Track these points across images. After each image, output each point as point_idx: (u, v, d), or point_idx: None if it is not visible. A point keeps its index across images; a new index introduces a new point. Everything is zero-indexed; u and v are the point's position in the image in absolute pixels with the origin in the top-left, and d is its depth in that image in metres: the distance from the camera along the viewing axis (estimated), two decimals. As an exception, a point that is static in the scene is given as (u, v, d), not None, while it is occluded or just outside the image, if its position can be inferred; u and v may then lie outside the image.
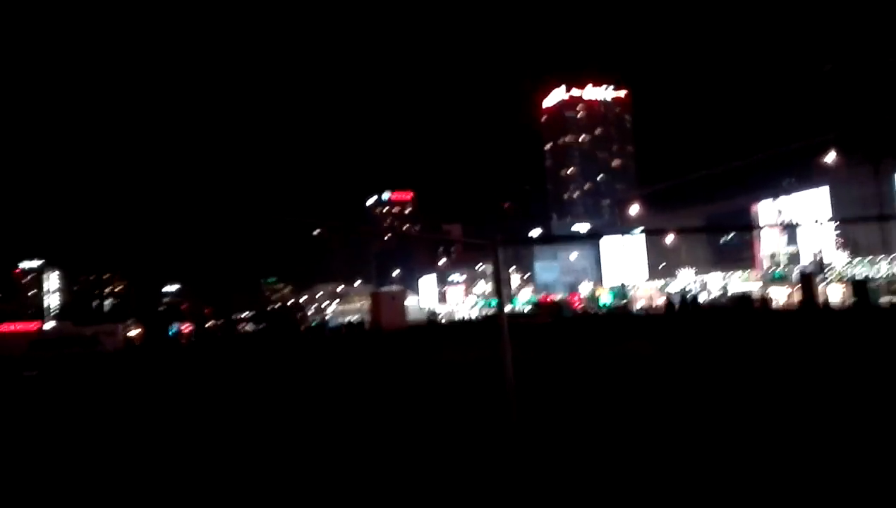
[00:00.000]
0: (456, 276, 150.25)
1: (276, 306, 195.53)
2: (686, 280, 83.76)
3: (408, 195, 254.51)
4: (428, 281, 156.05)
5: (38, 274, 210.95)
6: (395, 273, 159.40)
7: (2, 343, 45.36)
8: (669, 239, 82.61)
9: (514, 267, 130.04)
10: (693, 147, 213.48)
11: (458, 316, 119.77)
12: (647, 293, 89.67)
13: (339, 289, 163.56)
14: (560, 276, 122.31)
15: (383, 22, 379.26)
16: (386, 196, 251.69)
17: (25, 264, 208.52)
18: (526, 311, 77.12)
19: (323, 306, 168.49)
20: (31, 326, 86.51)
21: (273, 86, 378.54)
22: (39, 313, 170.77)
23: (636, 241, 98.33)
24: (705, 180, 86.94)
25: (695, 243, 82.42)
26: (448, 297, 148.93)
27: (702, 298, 67.82)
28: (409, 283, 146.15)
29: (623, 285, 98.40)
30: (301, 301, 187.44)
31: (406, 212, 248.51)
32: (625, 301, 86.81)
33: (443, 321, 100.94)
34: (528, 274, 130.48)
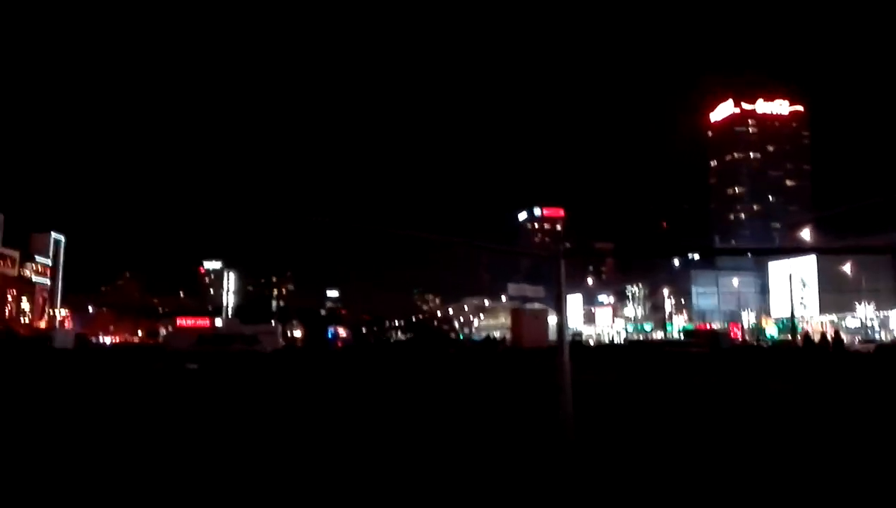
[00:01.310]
0: (604, 297, 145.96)
1: (423, 317, 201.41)
2: (863, 315, 75.06)
3: (559, 212, 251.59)
4: (574, 301, 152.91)
5: (219, 274, 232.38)
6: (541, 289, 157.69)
7: (177, 336, 50.53)
8: (846, 267, 74.57)
9: (667, 290, 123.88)
10: (878, 167, 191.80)
11: (605, 339, 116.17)
12: (818, 328, 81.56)
13: (485, 304, 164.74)
14: (720, 304, 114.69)
15: (538, 30, 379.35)
16: (537, 212, 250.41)
17: (208, 264, 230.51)
18: (680, 339, 73.03)
19: (469, 319, 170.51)
20: (204, 322, 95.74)
21: (429, 97, 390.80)
22: (218, 310, 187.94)
23: (808, 270, 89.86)
24: (892, 204, 77.65)
25: (877, 273, 73.70)
26: (596, 318, 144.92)
27: (883, 336, 60.33)
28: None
29: (792, 317, 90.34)
30: (450, 313, 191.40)
31: (557, 228, 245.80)
32: (789, 336, 79.63)
33: (587, 342, 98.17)
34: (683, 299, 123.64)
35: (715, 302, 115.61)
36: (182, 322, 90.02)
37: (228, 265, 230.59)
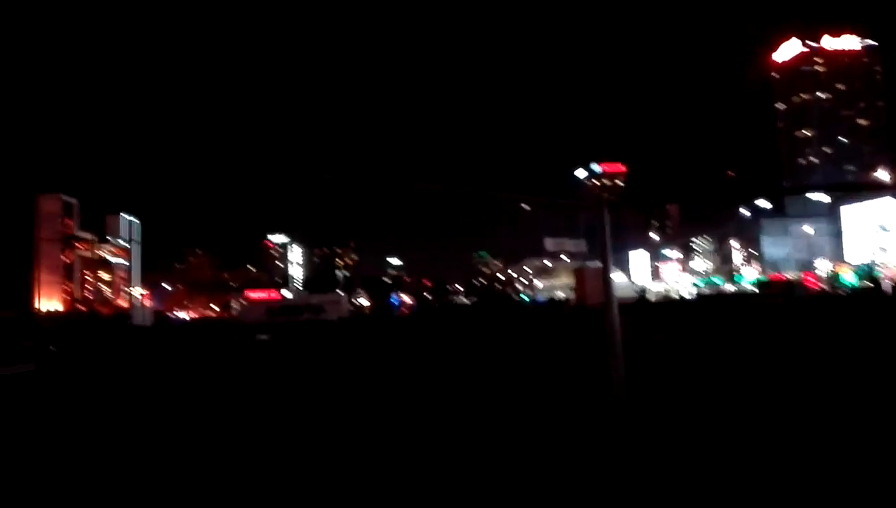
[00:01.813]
0: (670, 252, 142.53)
1: (486, 281, 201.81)
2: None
3: (619, 167, 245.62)
4: (639, 257, 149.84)
5: (284, 247, 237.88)
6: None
7: (248, 309, 52.10)
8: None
9: (736, 241, 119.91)
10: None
11: (673, 295, 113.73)
12: (901, 272, 77.54)
13: (547, 265, 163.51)
14: (791, 253, 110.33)
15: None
16: (596, 168, 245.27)
17: (274, 238, 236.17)
18: (754, 290, 70.81)
19: (532, 281, 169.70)
20: (272, 294, 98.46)
21: (487, 56, 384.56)
22: (285, 282, 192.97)
23: (886, 213, 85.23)
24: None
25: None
26: (662, 274, 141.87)
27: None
28: (620, 258, 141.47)
29: (872, 263, 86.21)
30: (512, 275, 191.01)
31: (618, 183, 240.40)
32: (872, 282, 75.97)
33: (653, 299, 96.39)
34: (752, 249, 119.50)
35: (786, 251, 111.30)
36: (252, 295, 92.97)
37: (294, 238, 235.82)
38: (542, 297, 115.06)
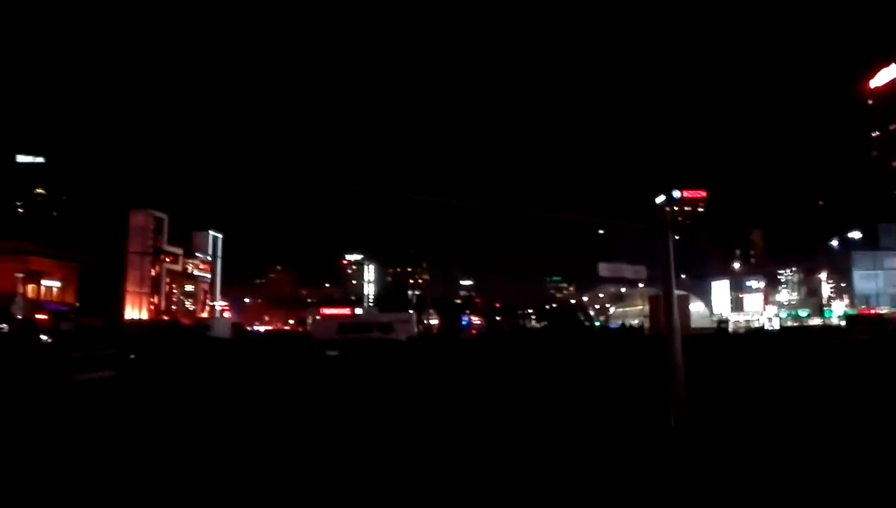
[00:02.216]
0: (754, 282, 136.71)
1: (556, 305, 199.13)
2: None
3: (700, 193, 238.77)
4: (721, 287, 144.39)
5: (359, 265, 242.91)
6: (683, 276, 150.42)
7: (321, 324, 53.18)
8: None
9: (825, 273, 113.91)
10: None
11: (755, 326, 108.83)
12: None
13: (622, 291, 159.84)
14: (884, 287, 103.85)
15: (678, 8, 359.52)
16: (676, 194, 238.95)
17: (350, 257, 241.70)
18: (840, 326, 66.91)
19: (605, 307, 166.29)
20: (345, 311, 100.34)
21: (577, 78, 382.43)
22: (360, 300, 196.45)
23: None
24: None
25: None
26: (745, 305, 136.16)
27: None
28: (701, 288, 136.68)
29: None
30: (584, 300, 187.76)
31: (699, 210, 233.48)
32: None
33: (736, 330, 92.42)
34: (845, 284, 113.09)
35: (878, 285, 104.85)
36: (325, 311, 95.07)
37: (369, 257, 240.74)
38: (614, 324, 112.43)
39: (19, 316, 54.22)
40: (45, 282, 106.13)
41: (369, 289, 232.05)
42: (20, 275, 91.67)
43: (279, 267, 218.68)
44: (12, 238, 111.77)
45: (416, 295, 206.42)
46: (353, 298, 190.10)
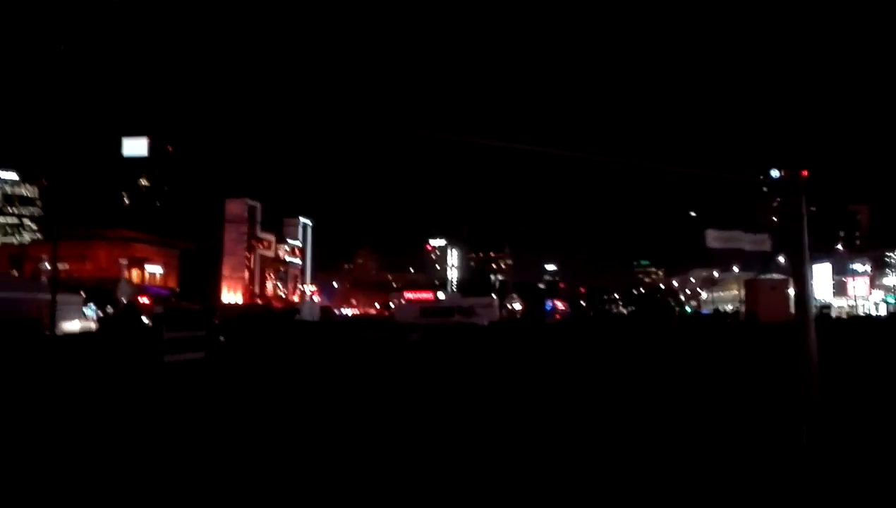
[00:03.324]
0: (859, 265, 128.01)
1: (644, 290, 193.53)
2: None
3: (801, 173, 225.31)
4: (822, 270, 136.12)
5: (443, 250, 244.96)
6: (780, 259, 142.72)
7: (404, 308, 53.84)
8: None
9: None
10: None
11: (860, 312, 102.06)
12: None
13: (715, 275, 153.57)
14: None
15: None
16: (775, 173, 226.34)
17: (434, 242, 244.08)
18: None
19: (697, 292, 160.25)
20: (428, 296, 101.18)
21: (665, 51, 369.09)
22: (442, 285, 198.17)
23: None
24: None
25: None
26: (848, 289, 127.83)
27: None
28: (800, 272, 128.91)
29: None
30: (674, 285, 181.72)
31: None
32: None
33: (838, 316, 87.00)
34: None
35: None
36: (408, 295, 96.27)
37: (452, 242, 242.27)
38: (707, 310, 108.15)
39: (124, 300, 57.68)
40: (148, 268, 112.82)
41: (453, 274, 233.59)
42: (125, 261, 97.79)
43: (366, 252, 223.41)
44: (118, 226, 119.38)
45: (500, 281, 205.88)
46: (436, 283, 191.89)
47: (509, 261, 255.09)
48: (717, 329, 46.60)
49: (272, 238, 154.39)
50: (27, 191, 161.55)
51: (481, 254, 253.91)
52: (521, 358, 22.34)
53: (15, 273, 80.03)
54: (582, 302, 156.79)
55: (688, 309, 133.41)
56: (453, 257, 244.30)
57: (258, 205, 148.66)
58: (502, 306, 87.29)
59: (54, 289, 27.51)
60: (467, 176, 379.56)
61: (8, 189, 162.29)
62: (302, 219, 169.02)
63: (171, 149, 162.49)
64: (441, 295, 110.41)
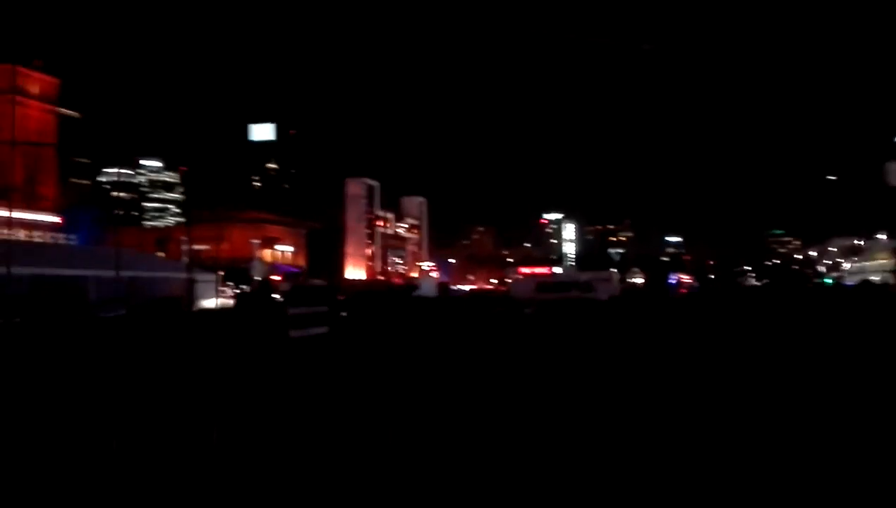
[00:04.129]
0: None
1: (779, 261, 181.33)
2: None
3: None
4: None
5: (558, 224, 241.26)
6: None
7: (519, 283, 53.56)
8: None
9: None
10: None
11: None
12: None
13: (858, 244, 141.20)
14: None
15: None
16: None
17: (549, 216, 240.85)
18: None
19: (837, 262, 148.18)
20: (544, 270, 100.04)
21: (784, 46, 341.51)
22: (559, 259, 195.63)
23: None
24: None
25: None
26: None
27: None
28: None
29: None
30: (812, 255, 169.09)
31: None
32: None
33: None
34: None
35: None
36: (523, 270, 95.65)
37: (568, 215, 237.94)
38: (850, 281, 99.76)
39: (258, 278, 61.23)
40: (279, 247, 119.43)
41: (569, 249, 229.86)
42: (257, 242, 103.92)
43: (481, 228, 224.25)
44: (250, 208, 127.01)
45: (619, 254, 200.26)
46: (552, 258, 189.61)
47: (629, 234, 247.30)
48: (864, 299, 42.54)
49: (391, 216, 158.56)
50: (170, 177, 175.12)
51: (599, 227, 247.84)
52: (644, 334, 21.51)
53: (161, 254, 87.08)
54: (710, 274, 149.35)
55: (828, 280, 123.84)
56: (569, 231, 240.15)
57: (377, 184, 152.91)
58: (622, 280, 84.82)
59: (191, 269, 29.57)
60: (584, 147, 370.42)
61: (153, 176, 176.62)
62: (417, 198, 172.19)
63: (293, 132, 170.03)
64: (558, 270, 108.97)
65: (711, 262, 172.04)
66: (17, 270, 28.90)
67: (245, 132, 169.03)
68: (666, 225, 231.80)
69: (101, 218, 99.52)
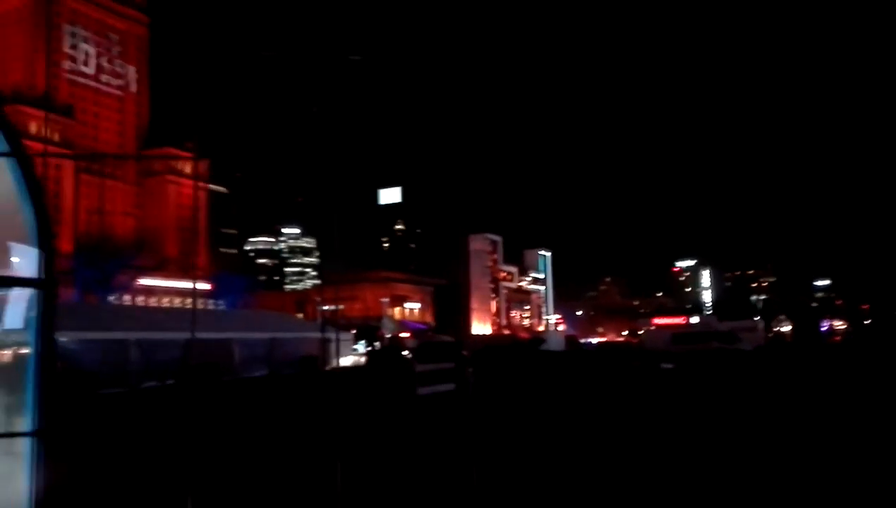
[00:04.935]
0: None
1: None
2: None
3: None
4: None
5: (693, 271, 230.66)
6: None
7: (653, 335, 51.03)
8: None
9: None
10: None
11: None
12: None
13: None
14: None
15: None
16: None
17: (682, 263, 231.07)
18: None
19: None
20: (679, 320, 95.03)
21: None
22: (695, 308, 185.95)
23: None
24: None
25: None
26: None
27: None
28: None
29: None
30: None
31: None
32: None
33: None
34: None
35: None
36: (657, 321, 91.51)
37: (703, 261, 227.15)
38: None
39: (387, 335, 62.79)
40: (407, 305, 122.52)
41: (705, 296, 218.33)
42: (386, 300, 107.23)
43: (609, 279, 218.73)
44: (379, 268, 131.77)
45: (762, 300, 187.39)
46: (687, 307, 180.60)
47: (771, 278, 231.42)
48: None
49: (514, 269, 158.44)
50: (307, 243, 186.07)
51: (738, 273, 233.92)
52: (799, 390, 19.70)
53: (300, 315, 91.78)
54: (866, 319, 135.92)
55: None
56: (705, 278, 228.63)
57: (499, 239, 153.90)
58: (768, 329, 79.01)
59: (324, 330, 30.72)
60: (718, 187, 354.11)
61: (292, 242, 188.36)
62: (541, 251, 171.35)
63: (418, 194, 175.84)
64: (694, 320, 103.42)
65: (866, 307, 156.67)
66: (173, 335, 31.40)
67: (373, 196, 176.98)
68: (813, 267, 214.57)
69: (247, 284, 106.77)
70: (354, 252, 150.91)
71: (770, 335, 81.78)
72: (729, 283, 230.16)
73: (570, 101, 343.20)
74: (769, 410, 14.91)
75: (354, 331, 56.85)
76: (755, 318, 69.57)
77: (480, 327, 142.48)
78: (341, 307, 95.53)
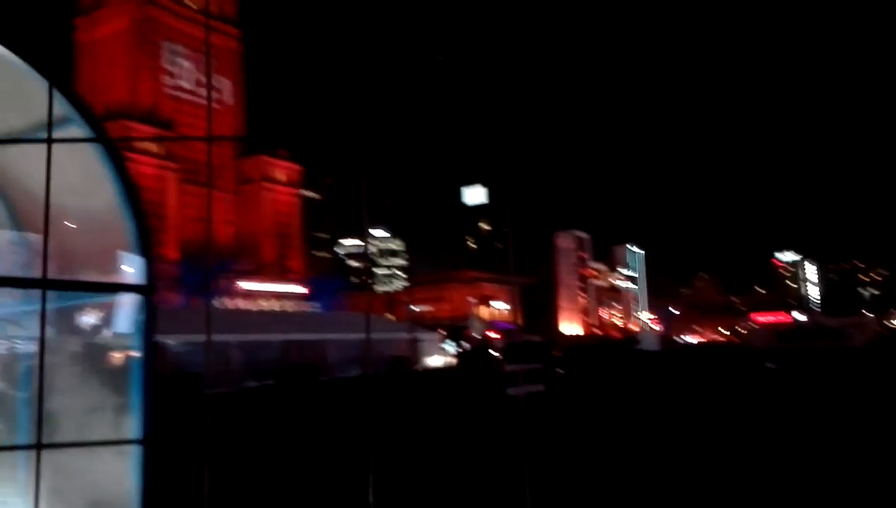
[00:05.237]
0: None
1: None
2: None
3: None
4: None
5: (795, 265, 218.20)
6: None
7: (755, 333, 48.64)
8: None
9: None
10: None
11: None
12: None
13: None
14: None
15: None
16: None
17: (782, 256, 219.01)
18: None
19: None
20: (783, 317, 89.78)
21: None
22: (799, 303, 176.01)
23: None
24: None
25: None
26: None
27: None
28: None
29: None
30: None
31: None
32: None
33: None
34: None
35: None
36: (759, 318, 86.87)
37: (806, 254, 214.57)
38: None
39: (476, 335, 62.90)
40: (494, 304, 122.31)
41: (810, 291, 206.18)
42: (474, 300, 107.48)
43: (705, 275, 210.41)
44: (466, 268, 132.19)
45: (874, 295, 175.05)
46: (790, 302, 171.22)
47: (883, 271, 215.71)
48: None
49: (604, 267, 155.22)
50: (395, 245, 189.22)
51: (845, 265, 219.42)
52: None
53: (390, 316, 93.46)
54: None
55: None
56: (810, 271, 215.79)
57: (587, 236, 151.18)
58: (880, 324, 73.53)
59: (413, 331, 31.01)
60: (820, 174, 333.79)
61: (381, 244, 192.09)
62: (631, 247, 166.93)
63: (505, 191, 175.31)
64: (798, 316, 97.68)
65: None
66: (271, 336, 32.68)
67: (458, 195, 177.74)
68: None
69: (339, 286, 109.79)
70: (441, 252, 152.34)
71: (882, 330, 76.09)
72: (833, 276, 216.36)
73: (658, 92, 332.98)
74: (886, 414, 13.83)
75: (443, 332, 57.28)
76: (864, 312, 64.91)
77: (569, 326, 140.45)
78: (429, 308, 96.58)
